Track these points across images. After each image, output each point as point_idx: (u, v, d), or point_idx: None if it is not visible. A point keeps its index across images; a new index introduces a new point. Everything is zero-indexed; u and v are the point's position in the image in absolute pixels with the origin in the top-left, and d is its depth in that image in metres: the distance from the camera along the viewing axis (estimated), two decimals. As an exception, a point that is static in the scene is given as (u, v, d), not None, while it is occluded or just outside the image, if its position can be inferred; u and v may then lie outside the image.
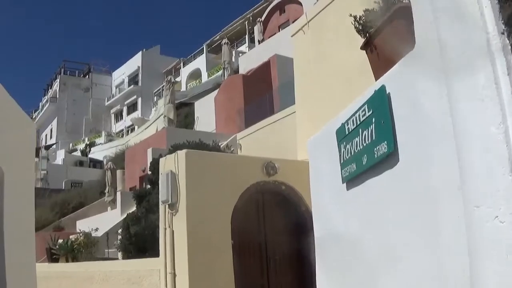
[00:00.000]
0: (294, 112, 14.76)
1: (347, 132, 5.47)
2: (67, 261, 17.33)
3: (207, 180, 10.97)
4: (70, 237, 19.08)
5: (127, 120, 76.23)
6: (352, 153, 5.32)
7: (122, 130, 75.80)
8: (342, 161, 5.64)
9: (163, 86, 41.38)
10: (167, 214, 10.97)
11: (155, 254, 11.54)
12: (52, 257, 18.26)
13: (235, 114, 26.97)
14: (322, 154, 6.60)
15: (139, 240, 15.41)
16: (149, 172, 18.45)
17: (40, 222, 28.20)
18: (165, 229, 10.96)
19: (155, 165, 16.89)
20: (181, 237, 10.54)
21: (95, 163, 59.76)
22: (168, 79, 28.85)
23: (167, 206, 10.98)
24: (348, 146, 5.43)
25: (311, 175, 7.05)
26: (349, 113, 5.43)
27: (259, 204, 12.01)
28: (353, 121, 5.29)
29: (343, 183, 5.64)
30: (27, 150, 5.77)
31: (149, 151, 22.53)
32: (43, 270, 17.89)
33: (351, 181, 5.46)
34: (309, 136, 12.34)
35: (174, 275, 10.63)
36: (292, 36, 14.00)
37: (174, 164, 10.94)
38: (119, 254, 16.92)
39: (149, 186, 17.42)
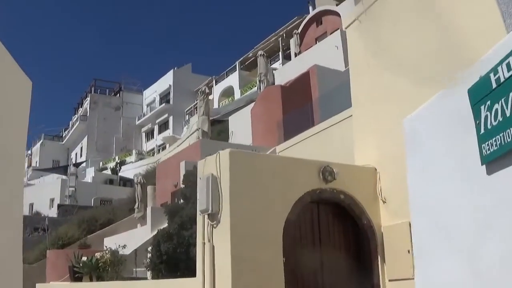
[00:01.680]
0: (340, 121, 13.15)
1: (494, 86, 3.60)
2: (91, 280, 15.74)
3: (255, 185, 9.17)
4: (96, 254, 17.48)
5: (158, 139, 75.66)
6: (504, 118, 3.47)
7: (153, 148, 75.18)
8: (482, 131, 3.78)
9: (197, 97, 40.07)
10: (207, 226, 9.18)
11: (189, 274, 9.84)
12: (75, 276, 16.69)
13: (274, 126, 25.32)
14: (432, 132, 4.74)
15: (171, 258, 14.20)
16: (182, 186, 17.21)
17: (65, 239, 26.83)
18: (204, 243, 9.16)
19: (188, 177, 15.51)
20: (223, 254, 8.74)
21: (125, 182, 58.71)
22: (203, 89, 27.32)
23: (206, 216, 9.20)
24: (495, 108, 3.57)
25: (410, 162, 5.28)
26: (493, 60, 3.57)
27: (314, 217, 10.20)
28: (508, 66, 3.43)
29: (482, 164, 3.76)
30: (22, 106, 5.37)
31: (182, 164, 21.27)
32: None
33: (500, 160, 3.59)
34: (371, 139, 10.69)
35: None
36: (345, 28, 12.24)
37: (215, 166, 9.17)
38: (148, 274, 15.33)
39: (182, 201, 16.08)
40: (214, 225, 9.01)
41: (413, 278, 7.40)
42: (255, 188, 9.13)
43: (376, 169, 10.59)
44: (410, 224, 9.42)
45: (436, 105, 4.80)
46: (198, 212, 9.46)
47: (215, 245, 8.98)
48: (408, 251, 9.47)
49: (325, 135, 16.20)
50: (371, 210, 10.43)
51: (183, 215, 14.64)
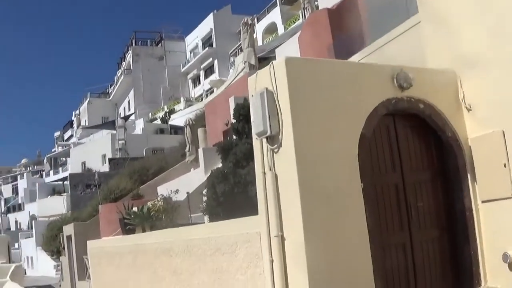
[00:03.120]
0: (399, 35, 11.35)
1: None
2: (143, 231, 14.45)
3: (319, 98, 7.50)
4: (148, 203, 16.23)
5: (205, 84, 74.94)
6: None
7: (201, 94, 74.37)
8: None
9: (239, 36, 38.44)
10: (266, 152, 7.61)
11: (249, 216, 8.34)
12: (127, 228, 15.44)
13: (324, 52, 23.49)
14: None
15: (228, 200, 12.76)
16: (233, 121, 15.84)
17: (117, 192, 25.84)
18: (264, 174, 7.60)
19: (239, 111, 14.10)
20: (289, 183, 7.19)
21: (176, 130, 57.89)
22: (245, 21, 25.55)
23: (264, 140, 7.61)
24: None
25: None
26: None
27: (391, 132, 8.56)
28: None
29: None
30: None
31: (231, 100, 20.14)
32: (115, 244, 15.29)
33: None
34: (444, 40, 8.97)
35: (283, 239, 7.32)
36: None
37: (270, 80, 7.54)
38: (205, 219, 13.97)
39: (234, 138, 14.74)
40: (275, 150, 7.43)
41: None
42: (320, 101, 7.48)
43: (455, 72, 8.88)
44: (504, 133, 7.97)
45: None
46: (254, 137, 7.88)
47: (278, 174, 7.41)
48: (504, 165, 8.02)
49: (381, 53, 14.43)
50: (454, 120, 8.78)
51: (237, 152, 13.39)
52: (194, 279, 9.91)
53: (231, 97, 20.27)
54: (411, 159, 8.70)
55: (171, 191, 16.60)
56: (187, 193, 17.03)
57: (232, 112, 16.23)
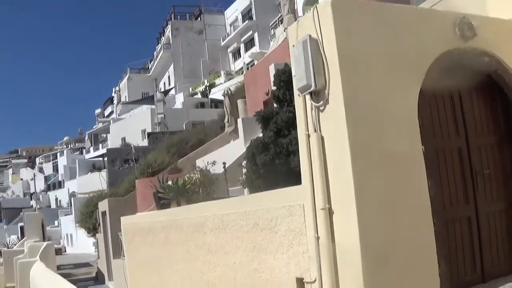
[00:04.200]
0: None
1: None
2: (179, 206, 13.50)
3: (371, 47, 6.34)
4: (184, 176, 15.30)
5: (245, 57, 73.66)
6: None
7: (242, 68, 73.13)
8: None
9: (280, 2, 37.29)
10: (310, 110, 6.49)
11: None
12: (161, 203, 14.51)
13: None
14: None
15: (269, 171, 11.83)
16: (274, 88, 14.87)
17: (154, 166, 24.91)
18: (308, 136, 6.52)
19: (279, 77, 13.09)
20: (338, 146, 6.09)
21: (217, 103, 56.85)
22: (284, -15, 24.43)
23: (308, 97, 6.50)
24: None
25: None
26: None
27: (453, 88, 7.41)
28: None
29: None
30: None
31: (271, 67, 18.87)
32: (148, 220, 14.45)
33: None
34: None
35: (330, 212, 6.24)
36: None
37: (313, 26, 6.41)
38: (245, 192, 13.01)
39: (275, 106, 13.82)
40: (321, 108, 6.31)
41: None
42: (372, 50, 6.33)
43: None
44: None
45: None
46: (296, 93, 6.77)
47: (324, 136, 6.31)
48: None
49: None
50: (525, 77, 7.62)
51: (278, 120, 12.42)
52: (230, 258, 8.91)
53: (271, 65, 19.15)
54: (476, 120, 7.61)
55: (207, 162, 15.65)
56: (223, 163, 16.05)
57: (272, 79, 15.36)
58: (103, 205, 21.43)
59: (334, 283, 6.09)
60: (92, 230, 27.70)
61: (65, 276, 27.34)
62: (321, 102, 6.28)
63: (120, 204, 20.48)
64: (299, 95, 6.66)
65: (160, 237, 13.14)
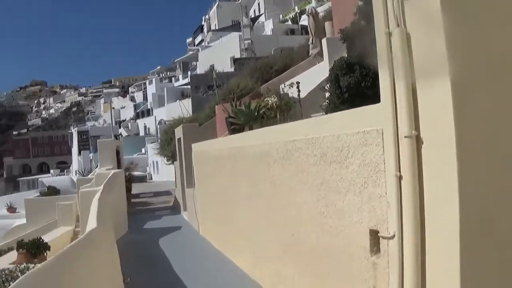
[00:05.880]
0: None
1: None
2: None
3: None
4: (257, 100, 13.80)
5: (336, -18, 69.85)
6: None
7: (333, -8, 70.13)
8: None
9: None
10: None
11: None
12: (232, 128, 13.08)
13: None
14: None
15: (354, 96, 10.70)
16: (360, 3, 13.52)
17: (237, 91, 23.55)
18: (388, 34, 4.65)
19: None
20: (430, 46, 4.17)
21: (307, 30, 54.86)
22: None
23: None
24: None
25: None
26: None
27: None
28: None
29: None
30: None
31: None
32: (216, 147, 13.44)
33: None
34: None
35: (419, 141, 4.36)
36: None
37: None
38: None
39: (363, 23, 12.46)
40: (407, -7, 4.43)
41: None
42: None
43: None
44: None
45: None
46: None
47: (411, 32, 4.44)
48: None
49: None
50: None
51: (366, 39, 10.76)
52: (294, 195, 7.26)
53: (360, -22, 17.13)
54: None
55: (284, 85, 14.06)
56: (297, 83, 14.38)
57: (360, -7, 13.82)
58: (178, 132, 20.14)
59: (419, 242, 4.31)
60: (171, 157, 26.73)
61: (142, 204, 26.90)
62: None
63: (195, 131, 19.11)
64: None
65: (227, 167, 11.97)
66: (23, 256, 11.75)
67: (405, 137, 4.40)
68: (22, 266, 10.28)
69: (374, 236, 4.99)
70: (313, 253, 6.70)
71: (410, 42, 4.40)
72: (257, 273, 9.90)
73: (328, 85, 12.69)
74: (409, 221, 4.35)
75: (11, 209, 26.91)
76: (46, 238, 11.66)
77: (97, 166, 27.18)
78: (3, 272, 9.77)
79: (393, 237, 4.57)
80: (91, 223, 8.53)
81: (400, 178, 4.48)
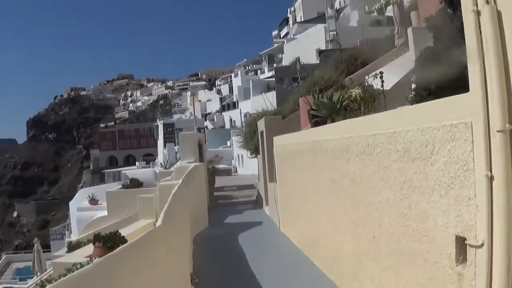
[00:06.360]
0: None
1: None
2: (334, 125, 11.73)
3: None
4: (341, 92, 13.33)
5: (426, -30, 68.24)
6: None
7: (422, -19, 68.46)
8: None
9: None
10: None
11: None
12: (313, 121, 12.69)
13: None
14: None
15: (442, 88, 9.89)
16: None
17: (321, 83, 23.02)
18: (477, 13, 4.06)
19: None
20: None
21: (393, 20, 53.81)
22: None
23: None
24: None
25: None
26: None
27: None
28: None
29: None
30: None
31: None
32: (297, 141, 13.20)
33: None
34: None
35: (514, 137, 3.83)
36: None
37: None
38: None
39: (449, 11, 11.87)
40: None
41: None
42: None
43: None
44: None
45: None
46: None
47: (502, 10, 3.87)
48: None
49: None
50: None
51: (453, 27, 10.50)
52: (375, 194, 6.74)
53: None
54: None
55: (368, 76, 13.53)
56: (380, 73, 13.81)
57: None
58: (261, 124, 19.80)
59: (511, 252, 3.76)
60: (254, 150, 26.45)
61: (225, 198, 26.82)
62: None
63: (278, 123, 18.70)
64: None
65: (307, 161, 11.60)
66: (99, 250, 11.67)
67: (498, 131, 3.88)
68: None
69: (461, 243, 4.43)
70: (393, 258, 6.18)
71: (501, 21, 3.84)
72: (334, 274, 9.54)
73: (414, 76, 12.21)
74: (501, 229, 3.82)
75: (93, 201, 27.21)
76: (125, 231, 11.58)
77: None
78: (75, 267, 9.66)
79: (481, 245, 4.02)
80: (159, 222, 8.31)
81: (491, 178, 3.94)
